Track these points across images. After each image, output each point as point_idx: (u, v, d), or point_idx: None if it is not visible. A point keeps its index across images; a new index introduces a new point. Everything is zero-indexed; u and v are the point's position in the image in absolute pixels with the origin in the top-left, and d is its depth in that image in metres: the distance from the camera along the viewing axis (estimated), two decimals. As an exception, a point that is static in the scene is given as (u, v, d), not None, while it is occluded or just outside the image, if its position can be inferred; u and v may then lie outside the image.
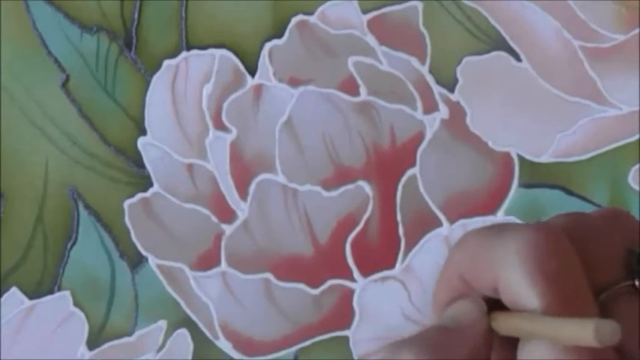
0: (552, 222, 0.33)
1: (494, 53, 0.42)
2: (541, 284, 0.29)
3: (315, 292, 0.43)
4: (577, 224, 0.33)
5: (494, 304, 0.33)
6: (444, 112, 0.42)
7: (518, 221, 0.34)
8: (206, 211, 0.43)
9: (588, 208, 0.42)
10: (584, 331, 0.27)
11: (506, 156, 0.42)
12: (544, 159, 0.42)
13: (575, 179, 0.42)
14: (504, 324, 0.30)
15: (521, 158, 0.42)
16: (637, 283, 0.32)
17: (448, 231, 0.42)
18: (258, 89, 0.43)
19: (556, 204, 0.42)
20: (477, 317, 0.32)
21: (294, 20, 0.42)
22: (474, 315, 0.32)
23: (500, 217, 0.42)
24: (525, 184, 0.42)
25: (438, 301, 0.35)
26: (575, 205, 0.42)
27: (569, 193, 0.42)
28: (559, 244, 0.30)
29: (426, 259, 0.42)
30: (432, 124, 0.42)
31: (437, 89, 0.42)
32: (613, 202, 0.42)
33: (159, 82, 0.43)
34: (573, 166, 0.42)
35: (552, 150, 0.42)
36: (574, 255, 0.30)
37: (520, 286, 0.29)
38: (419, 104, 0.42)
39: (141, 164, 0.43)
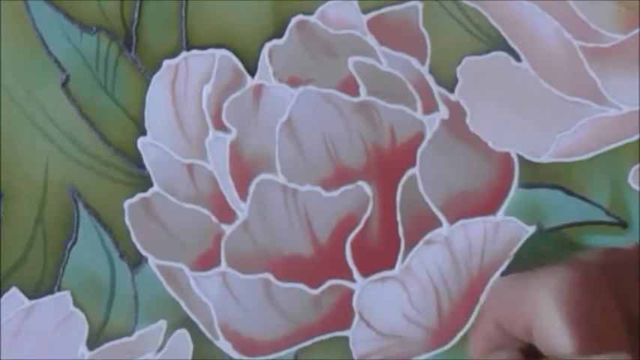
0: (588, 259, 0.32)
1: (494, 53, 0.42)
2: (573, 327, 0.28)
3: (315, 292, 0.43)
4: (612, 259, 0.32)
5: (532, 352, 0.31)
6: (443, 112, 0.42)
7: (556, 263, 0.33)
8: (206, 211, 0.43)
9: (588, 208, 0.42)
10: None
11: (506, 156, 0.42)
12: (544, 159, 0.42)
13: (575, 179, 0.42)
14: None
15: (521, 158, 0.42)
16: None
17: (448, 231, 0.42)
18: (258, 89, 0.43)
19: (556, 204, 0.42)
20: None
21: (294, 20, 0.42)
22: None
23: (500, 217, 0.42)
24: (525, 184, 0.42)
25: (474, 350, 0.34)
26: (575, 205, 0.42)
27: (569, 193, 0.42)
28: (591, 283, 0.29)
29: (426, 259, 0.42)
30: (432, 124, 0.42)
31: (437, 89, 0.42)
32: (613, 202, 0.42)
33: (159, 82, 0.43)
34: (573, 166, 0.42)
35: (552, 150, 0.42)
36: (606, 293, 0.29)
37: (552, 328, 0.28)
38: (419, 104, 0.42)
39: (141, 164, 0.43)
